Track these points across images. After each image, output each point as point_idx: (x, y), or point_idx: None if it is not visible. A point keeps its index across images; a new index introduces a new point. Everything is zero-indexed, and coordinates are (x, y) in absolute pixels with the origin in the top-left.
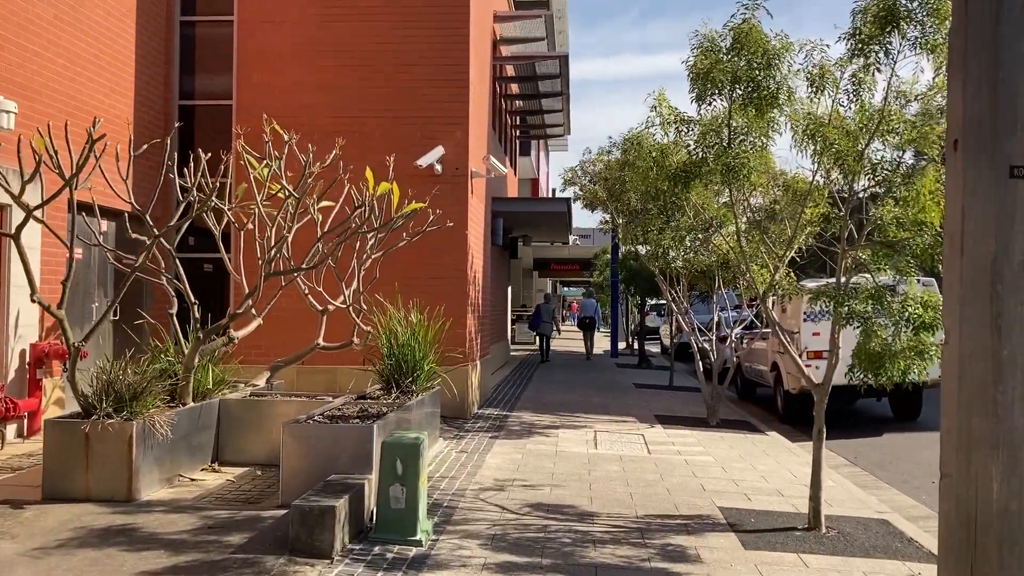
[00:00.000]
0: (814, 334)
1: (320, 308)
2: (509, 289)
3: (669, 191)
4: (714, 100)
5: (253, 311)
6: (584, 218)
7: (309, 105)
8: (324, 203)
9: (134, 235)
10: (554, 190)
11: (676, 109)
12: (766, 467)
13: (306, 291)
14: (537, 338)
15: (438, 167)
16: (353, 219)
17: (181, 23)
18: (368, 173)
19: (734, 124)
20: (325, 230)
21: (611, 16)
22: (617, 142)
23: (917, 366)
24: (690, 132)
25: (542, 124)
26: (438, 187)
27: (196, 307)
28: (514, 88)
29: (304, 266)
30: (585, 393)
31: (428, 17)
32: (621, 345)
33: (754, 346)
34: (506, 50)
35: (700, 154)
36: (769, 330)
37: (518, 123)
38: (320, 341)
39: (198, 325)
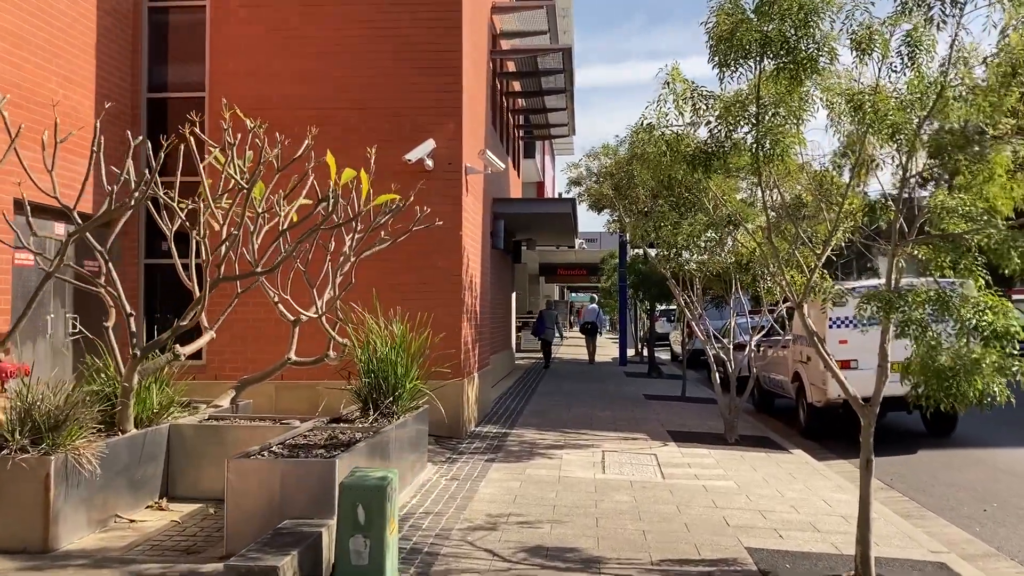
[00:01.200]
0: (840, 342)
1: (291, 318)
2: (513, 296)
3: (685, 179)
4: (739, 67)
5: (205, 323)
6: (590, 221)
7: (288, 96)
8: (302, 201)
9: (59, 238)
10: (560, 194)
11: (692, 83)
12: (795, 494)
13: (275, 299)
14: (541, 344)
15: (429, 162)
16: (317, 213)
17: (150, 9)
18: (329, 158)
19: (764, 97)
20: (284, 227)
21: (617, 23)
22: (624, 137)
23: (998, 385)
24: (710, 109)
25: (546, 124)
26: (424, 181)
27: (132, 319)
28: (516, 86)
29: (259, 270)
30: (592, 406)
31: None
32: (630, 352)
33: (773, 355)
34: (507, 44)
35: (724, 132)
36: (789, 337)
37: (521, 123)
38: (291, 355)
39: (135, 340)
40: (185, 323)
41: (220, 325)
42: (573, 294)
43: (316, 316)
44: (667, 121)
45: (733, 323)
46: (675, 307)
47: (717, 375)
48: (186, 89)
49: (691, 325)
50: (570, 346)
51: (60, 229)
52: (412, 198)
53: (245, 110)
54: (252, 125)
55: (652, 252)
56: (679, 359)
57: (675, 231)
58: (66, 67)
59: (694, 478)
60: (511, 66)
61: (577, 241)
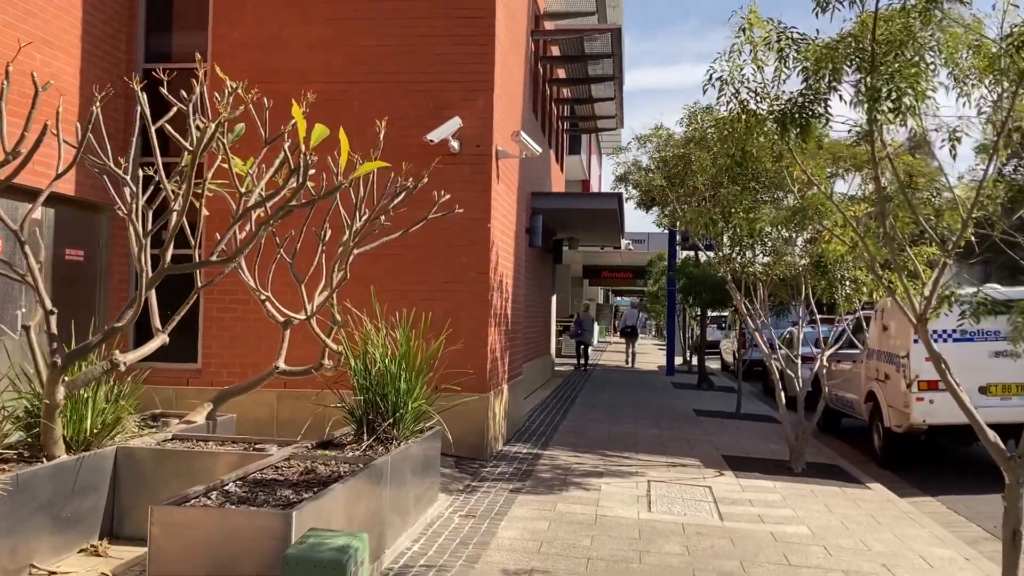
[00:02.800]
0: (927, 359)
1: (281, 320)
2: (554, 298)
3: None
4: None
5: (157, 324)
6: (638, 221)
7: (298, 68)
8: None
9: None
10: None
11: (779, 23)
12: (884, 546)
13: (262, 297)
14: (578, 347)
15: (454, 144)
16: (290, 189)
17: None
18: (295, 110)
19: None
20: (250, 204)
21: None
22: (680, 119)
23: None
24: (802, 56)
25: (592, 115)
26: (440, 160)
27: (54, 318)
28: (560, 73)
29: (214, 259)
30: (636, 422)
31: None
32: (677, 360)
33: (842, 370)
34: (551, 27)
35: (827, 78)
36: (862, 351)
37: (565, 114)
38: (280, 363)
39: (54, 346)
40: (120, 324)
41: (216, 326)
42: (618, 298)
43: (305, 319)
44: (741, 76)
45: (801, 333)
46: (726, 314)
47: (783, 394)
48: (188, 60)
49: (745, 334)
50: (612, 352)
51: (37, 212)
52: (426, 178)
53: (251, 83)
54: (232, 87)
55: (709, 253)
56: (730, 369)
57: (750, 218)
58: (44, 28)
59: (758, 520)
60: (555, 50)
61: (623, 241)
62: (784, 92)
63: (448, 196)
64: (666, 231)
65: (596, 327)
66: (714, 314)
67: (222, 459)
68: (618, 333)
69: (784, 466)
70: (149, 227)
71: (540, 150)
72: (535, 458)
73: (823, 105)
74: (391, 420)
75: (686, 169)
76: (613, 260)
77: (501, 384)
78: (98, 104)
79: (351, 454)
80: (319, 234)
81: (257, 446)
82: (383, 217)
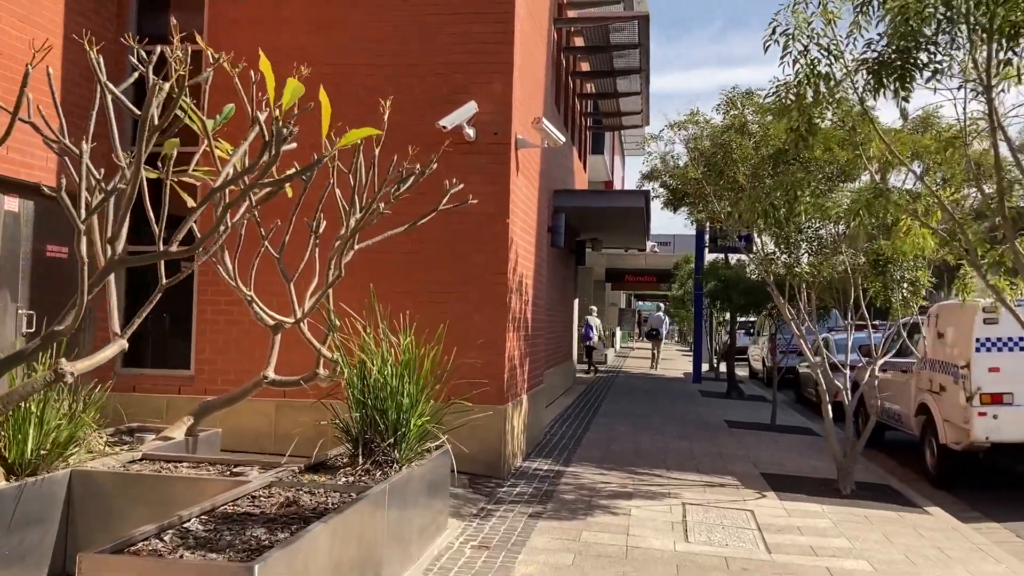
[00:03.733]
0: (991, 370)
1: (271, 323)
2: (576, 302)
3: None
4: None
5: (116, 328)
6: (664, 223)
7: (300, 48)
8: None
9: None
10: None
11: None
12: None
13: (249, 298)
14: (586, 350)
15: (470, 131)
16: (260, 164)
17: None
18: (263, 62)
19: None
20: (218, 184)
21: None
22: (718, 103)
23: None
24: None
25: (617, 111)
26: (450, 143)
27: None
28: (584, 67)
29: (174, 249)
30: (665, 434)
31: None
32: (704, 367)
33: (887, 380)
34: (574, 14)
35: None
36: (912, 360)
37: (588, 110)
38: (269, 372)
39: None
40: (61, 328)
41: (211, 329)
42: (640, 303)
43: (294, 323)
44: (809, 30)
45: (850, 340)
46: (754, 319)
47: (829, 408)
48: (184, 40)
49: (776, 340)
50: (635, 357)
51: (13, 204)
52: (435, 164)
53: (249, 64)
54: (215, 59)
55: (743, 257)
56: (758, 376)
57: (819, 203)
58: (24, 4)
59: (810, 553)
60: (578, 41)
61: (648, 243)
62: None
63: (461, 186)
64: (693, 233)
65: (596, 331)
66: (741, 319)
67: (193, 485)
68: (643, 336)
69: (831, 486)
70: (121, 217)
71: (563, 139)
72: (557, 476)
73: (929, 52)
74: (391, 440)
75: (726, 158)
76: (637, 263)
77: (520, 395)
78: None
79: (344, 480)
80: (311, 225)
81: (236, 469)
82: (383, 205)
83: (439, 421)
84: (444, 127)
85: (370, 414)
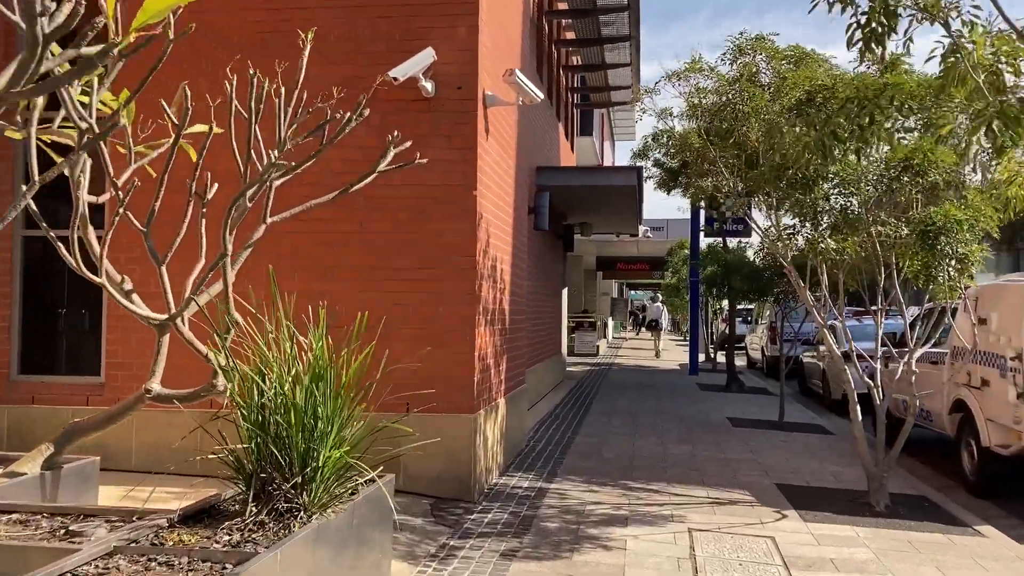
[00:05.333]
0: None
1: (155, 321)
2: (565, 291)
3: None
4: None
5: None
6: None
7: None
8: (196, 127)
9: None
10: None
11: None
12: None
13: (126, 288)
14: None
15: (427, 85)
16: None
17: None
18: None
19: None
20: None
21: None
22: (724, 52)
23: None
24: None
25: (605, 86)
26: (407, 98)
27: None
28: (570, 35)
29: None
30: (663, 436)
31: None
32: (700, 357)
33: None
34: None
35: None
36: (943, 350)
37: (575, 85)
38: (153, 384)
39: None
40: None
41: (123, 326)
42: (633, 292)
43: (168, 319)
44: None
45: (880, 328)
46: (752, 307)
47: (858, 409)
48: None
49: (775, 328)
50: (628, 348)
51: None
52: (366, 109)
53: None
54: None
55: (741, 240)
56: (756, 366)
57: (896, 141)
58: None
59: None
60: (562, 5)
61: (641, 228)
62: None
63: (408, 143)
64: (688, 217)
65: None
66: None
67: (3, 553)
68: (643, 327)
69: (860, 501)
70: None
71: (541, 95)
72: (539, 495)
73: None
74: (298, 479)
75: (735, 112)
76: (629, 251)
77: (496, 399)
78: None
79: (225, 539)
80: (190, 186)
81: (75, 527)
82: (275, 154)
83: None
84: (395, 79)
85: (264, 445)
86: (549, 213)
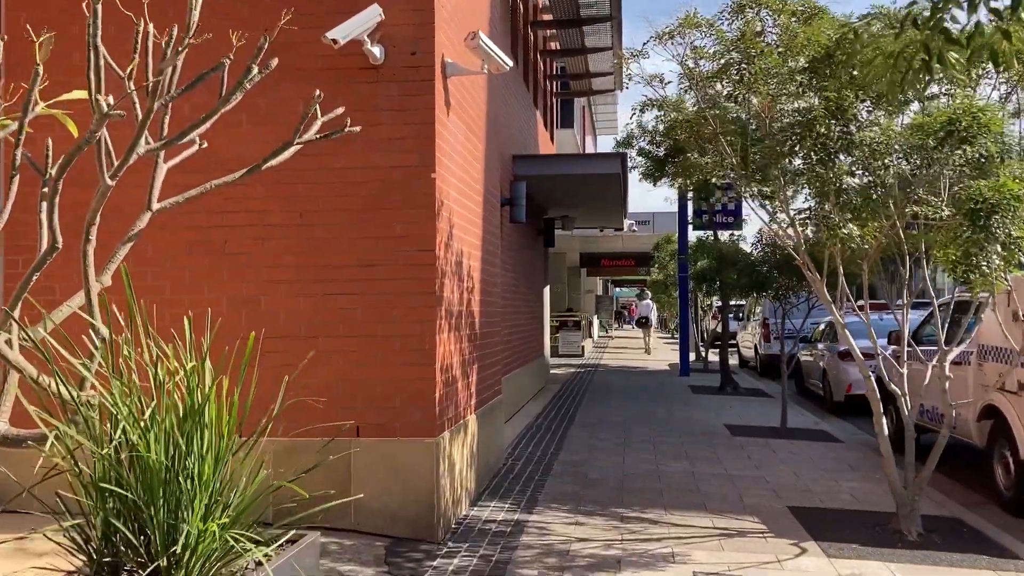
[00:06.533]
0: None
1: None
2: (547, 289)
3: None
4: None
5: None
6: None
7: None
8: (75, 94)
9: None
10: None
11: None
12: None
13: None
14: None
15: (374, 49)
16: None
17: None
18: None
19: None
20: None
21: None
22: (722, 10)
23: None
24: None
25: (586, 71)
26: (355, 67)
27: None
28: (547, 17)
29: None
30: (657, 449)
31: None
32: (690, 356)
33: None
34: None
35: None
36: (968, 349)
37: (554, 71)
38: None
39: None
40: None
41: None
42: (618, 289)
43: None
44: None
45: (906, 323)
46: (744, 303)
47: (884, 423)
48: None
49: (768, 325)
50: (614, 348)
51: None
52: (266, 46)
53: None
54: None
55: (733, 233)
56: (750, 365)
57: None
58: None
59: None
60: None
61: (626, 222)
62: None
63: (341, 109)
64: (675, 210)
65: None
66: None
67: None
68: (634, 325)
69: (888, 527)
70: None
71: (510, 63)
72: (515, 531)
73: None
74: (162, 561)
75: (741, 75)
76: (613, 246)
77: (464, 416)
78: None
79: None
80: (24, 157)
81: None
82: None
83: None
84: (334, 41)
85: (115, 517)
86: (527, 205)
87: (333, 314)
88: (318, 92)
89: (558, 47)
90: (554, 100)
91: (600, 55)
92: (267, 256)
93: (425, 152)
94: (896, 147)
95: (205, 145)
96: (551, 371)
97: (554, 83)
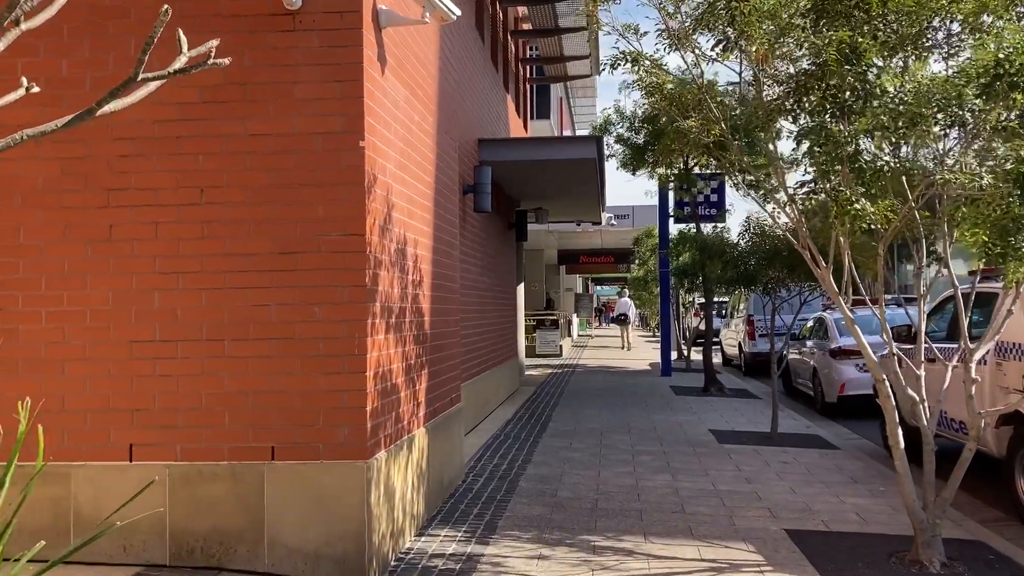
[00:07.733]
0: None
1: None
2: (521, 287)
3: None
4: None
5: None
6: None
7: None
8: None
9: None
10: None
11: None
12: None
13: None
14: None
15: None
16: None
17: None
18: None
19: None
20: None
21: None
22: None
23: None
24: None
25: (560, 55)
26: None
27: None
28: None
29: None
30: (636, 460)
31: None
32: (672, 355)
33: (941, 374)
34: None
35: None
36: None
37: (527, 55)
38: None
39: None
40: None
41: None
42: (599, 287)
43: None
44: None
45: (923, 317)
46: (727, 299)
47: (900, 436)
48: None
49: (754, 322)
50: (593, 347)
51: None
52: None
53: None
54: None
55: (717, 225)
56: (734, 363)
57: None
58: None
59: None
60: None
61: (604, 215)
62: None
63: (216, 42)
64: (656, 203)
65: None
66: (721, 299)
67: None
68: (611, 322)
69: (907, 558)
70: None
71: (457, 13)
72: (466, 569)
73: None
74: None
75: (731, 14)
76: (592, 242)
77: (408, 430)
78: None
79: None
80: None
81: None
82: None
83: None
84: None
85: None
86: (496, 196)
87: (241, 312)
88: (165, 7)
89: (531, 28)
90: (528, 86)
91: (575, 37)
92: (161, 243)
93: (352, 115)
94: (935, 98)
95: (35, 89)
96: (526, 372)
97: (528, 68)
